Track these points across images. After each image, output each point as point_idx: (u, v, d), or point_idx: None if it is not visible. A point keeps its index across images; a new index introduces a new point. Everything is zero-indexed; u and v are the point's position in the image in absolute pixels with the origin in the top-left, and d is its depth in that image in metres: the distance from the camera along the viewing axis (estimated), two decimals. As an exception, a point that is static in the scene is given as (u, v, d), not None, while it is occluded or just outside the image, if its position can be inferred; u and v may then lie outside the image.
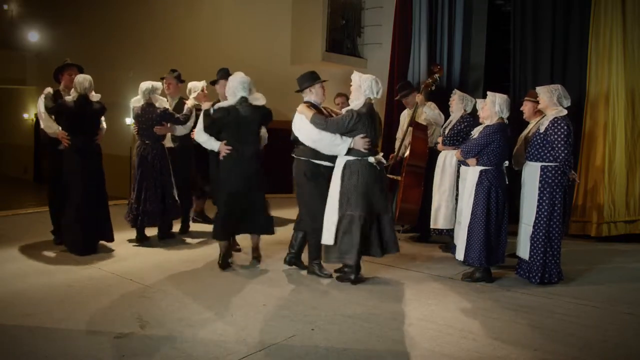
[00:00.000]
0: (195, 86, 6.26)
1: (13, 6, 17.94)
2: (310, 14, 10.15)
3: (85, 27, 14.92)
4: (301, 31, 10.27)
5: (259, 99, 5.02)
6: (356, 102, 4.61)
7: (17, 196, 12.81)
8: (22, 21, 17.23)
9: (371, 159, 4.53)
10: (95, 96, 5.43)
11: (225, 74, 5.45)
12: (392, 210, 4.85)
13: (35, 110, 18.01)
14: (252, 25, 11.65)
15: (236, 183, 4.88)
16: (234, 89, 4.89)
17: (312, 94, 4.78)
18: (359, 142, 4.49)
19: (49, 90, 5.68)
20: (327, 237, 4.58)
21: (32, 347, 3.31)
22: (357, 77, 4.64)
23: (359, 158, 4.52)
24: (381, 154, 4.71)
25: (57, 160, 5.55)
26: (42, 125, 5.62)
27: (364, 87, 4.56)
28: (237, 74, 5.01)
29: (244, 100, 4.90)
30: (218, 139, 4.95)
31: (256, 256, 5.22)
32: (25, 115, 18.18)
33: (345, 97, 7.05)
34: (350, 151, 4.53)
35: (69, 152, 5.39)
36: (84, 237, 5.32)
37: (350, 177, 4.52)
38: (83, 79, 5.33)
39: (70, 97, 5.37)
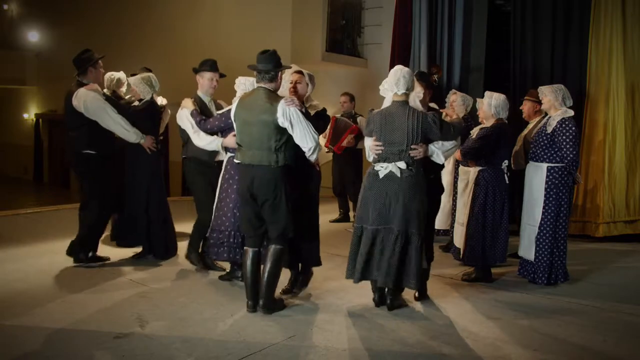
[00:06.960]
0: (123, 77, 5.73)
1: (13, 6, 17.91)
2: (310, 14, 10.15)
3: (85, 27, 14.90)
4: (301, 31, 10.27)
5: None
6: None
7: (17, 196, 12.80)
8: (22, 21, 17.20)
9: (377, 167, 3.95)
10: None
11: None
12: (410, 230, 3.86)
13: (37, 111, 18.05)
14: (252, 25, 11.63)
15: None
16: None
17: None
18: (370, 145, 4.01)
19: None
20: None
21: (32, 347, 3.31)
22: None
23: (372, 165, 4.04)
24: (400, 163, 3.87)
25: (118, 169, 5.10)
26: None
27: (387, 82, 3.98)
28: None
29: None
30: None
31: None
32: (25, 115, 18.14)
33: (348, 96, 6.96)
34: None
35: (155, 157, 5.07)
36: (171, 237, 5.26)
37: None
38: (149, 77, 5.03)
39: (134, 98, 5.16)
